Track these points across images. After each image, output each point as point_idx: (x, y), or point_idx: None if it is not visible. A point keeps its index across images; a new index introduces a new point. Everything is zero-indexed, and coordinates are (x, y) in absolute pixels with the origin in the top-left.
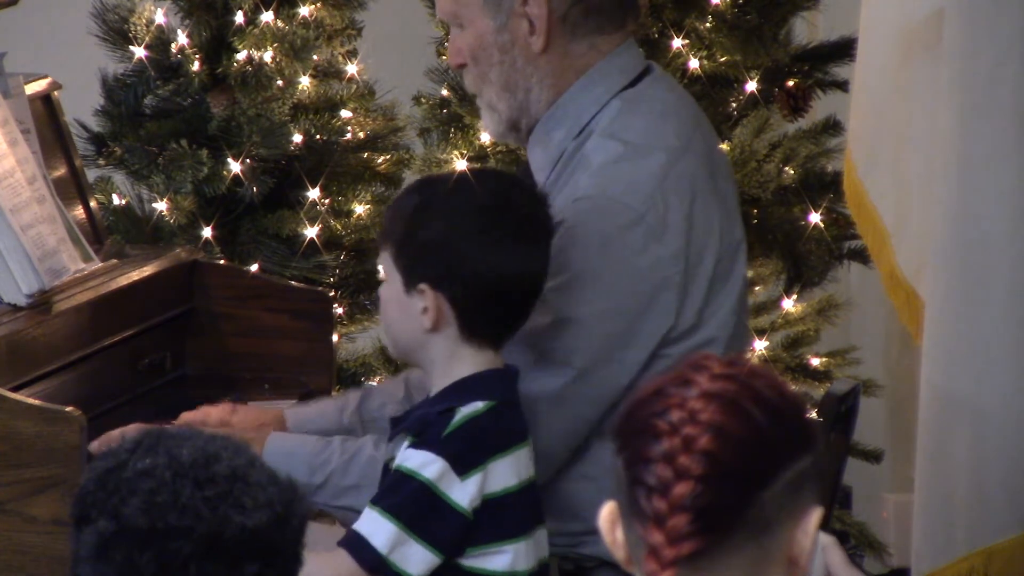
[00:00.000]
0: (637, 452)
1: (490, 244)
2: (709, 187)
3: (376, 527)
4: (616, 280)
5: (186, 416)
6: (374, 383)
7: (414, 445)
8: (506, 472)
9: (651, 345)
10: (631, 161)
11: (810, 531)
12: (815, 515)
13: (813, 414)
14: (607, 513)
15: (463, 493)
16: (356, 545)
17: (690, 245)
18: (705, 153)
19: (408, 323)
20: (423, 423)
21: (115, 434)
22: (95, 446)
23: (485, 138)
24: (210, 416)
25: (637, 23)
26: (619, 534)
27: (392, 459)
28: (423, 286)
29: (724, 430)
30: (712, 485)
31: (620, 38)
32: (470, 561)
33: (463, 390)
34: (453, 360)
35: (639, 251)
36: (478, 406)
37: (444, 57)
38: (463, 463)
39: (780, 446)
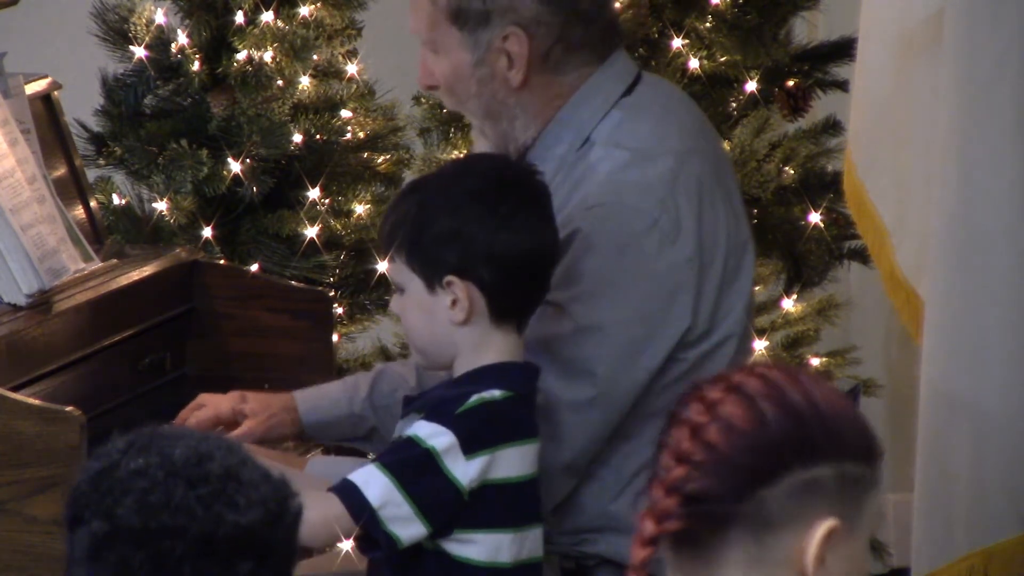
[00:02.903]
0: (660, 441)
1: (500, 222)
2: (715, 187)
3: (370, 478)
4: (634, 286)
5: (199, 414)
6: (384, 364)
7: (427, 417)
8: (513, 462)
9: (669, 348)
10: (639, 167)
11: (814, 541)
12: (823, 526)
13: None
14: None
15: (464, 471)
16: (348, 493)
17: (702, 247)
18: (710, 153)
19: (435, 324)
20: (439, 401)
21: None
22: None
23: None
24: (221, 409)
25: (622, 42)
26: None
27: (399, 439)
28: (450, 278)
29: (732, 423)
30: (707, 473)
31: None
32: (451, 544)
33: (481, 377)
34: (480, 349)
35: (655, 256)
36: (495, 393)
37: None
38: (472, 442)
39: (789, 448)
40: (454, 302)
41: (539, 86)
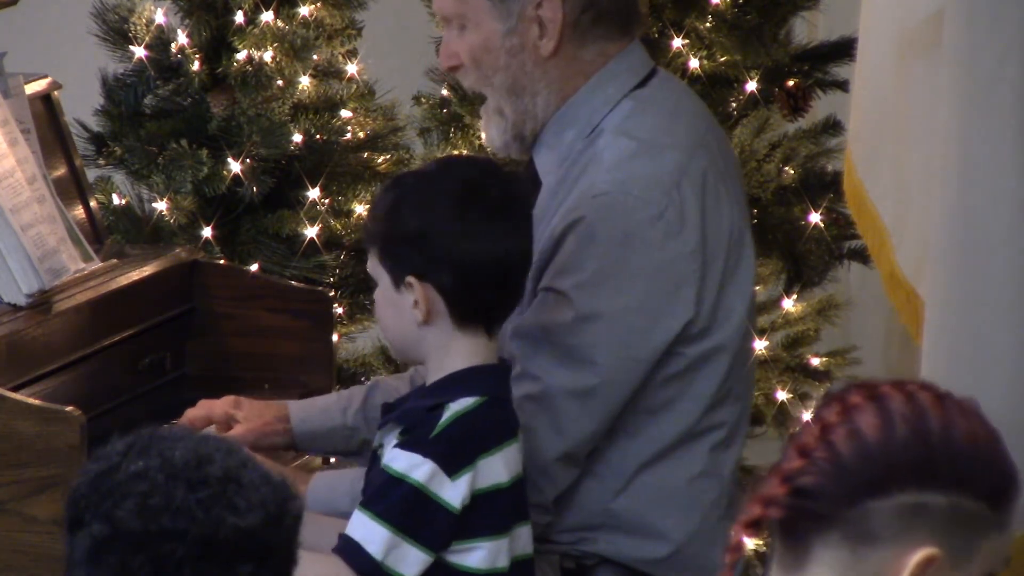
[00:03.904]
0: (792, 434)
1: (465, 229)
2: (720, 185)
3: (369, 533)
4: (637, 276)
5: (190, 413)
6: (379, 377)
7: (402, 445)
8: (496, 468)
9: (670, 339)
10: (646, 157)
11: (909, 564)
12: (922, 552)
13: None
14: None
15: (455, 492)
16: (351, 552)
17: (705, 241)
18: (716, 151)
19: (401, 321)
20: (412, 418)
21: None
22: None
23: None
24: (214, 410)
25: (642, 30)
26: None
27: (380, 446)
28: (410, 279)
29: (860, 431)
30: (822, 471)
31: (626, 43)
32: (450, 555)
33: (454, 385)
34: (448, 352)
35: (660, 246)
36: (467, 402)
37: None
38: (453, 463)
39: (906, 468)
40: (415, 302)
41: (565, 58)
